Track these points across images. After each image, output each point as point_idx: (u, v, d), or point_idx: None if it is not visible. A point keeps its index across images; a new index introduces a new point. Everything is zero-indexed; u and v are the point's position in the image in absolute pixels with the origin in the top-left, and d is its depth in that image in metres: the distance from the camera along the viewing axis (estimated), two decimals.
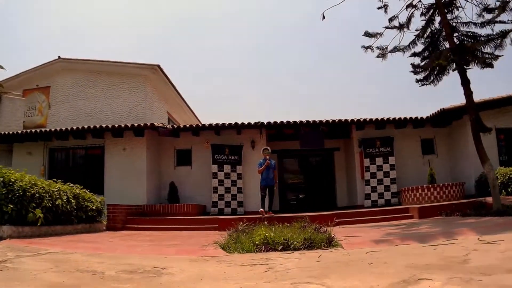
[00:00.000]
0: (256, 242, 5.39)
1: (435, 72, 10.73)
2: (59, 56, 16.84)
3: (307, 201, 16.30)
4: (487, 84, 39.46)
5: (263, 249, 5.17)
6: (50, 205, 8.49)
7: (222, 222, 9.50)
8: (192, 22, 53.01)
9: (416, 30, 10.88)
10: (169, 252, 5.50)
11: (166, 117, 18.69)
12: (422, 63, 10.77)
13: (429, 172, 13.32)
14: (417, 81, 10.97)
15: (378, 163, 14.11)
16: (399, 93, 48.25)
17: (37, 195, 8.15)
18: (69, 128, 13.67)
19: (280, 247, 5.17)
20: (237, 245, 5.46)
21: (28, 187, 7.59)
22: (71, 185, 10.13)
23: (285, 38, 53.43)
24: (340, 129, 14.58)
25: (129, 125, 12.78)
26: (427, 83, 10.90)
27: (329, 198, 16.10)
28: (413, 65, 10.69)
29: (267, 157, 11.12)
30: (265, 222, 8.60)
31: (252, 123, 13.27)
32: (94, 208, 10.26)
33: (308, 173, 17.07)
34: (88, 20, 50.50)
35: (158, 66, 16.15)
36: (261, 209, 10.81)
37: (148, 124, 12.52)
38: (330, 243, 5.30)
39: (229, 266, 4.14)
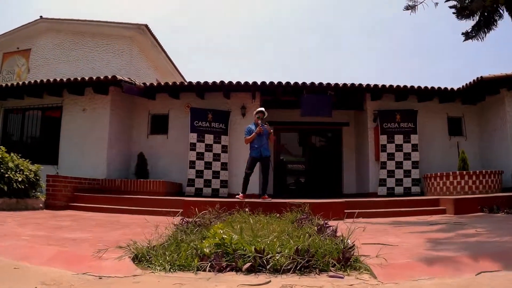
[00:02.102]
0: (205, 250, 2.79)
1: (483, 19, 8.24)
2: (41, 16, 15.00)
3: (307, 186, 13.61)
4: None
5: (209, 266, 2.57)
6: None
7: (190, 206, 6.89)
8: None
9: None
10: (43, 255, 2.98)
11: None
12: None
13: (460, 156, 10.61)
14: (466, 36, 8.47)
15: (397, 142, 11.40)
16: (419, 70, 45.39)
17: None
18: (20, 83, 11.18)
19: (246, 266, 2.56)
20: (167, 254, 2.85)
21: None
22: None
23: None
24: (351, 98, 11.82)
25: (87, 78, 10.07)
26: (473, 34, 8.36)
27: (334, 184, 13.40)
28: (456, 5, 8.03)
29: (260, 122, 8.28)
30: (246, 210, 6.17)
31: (242, 82, 10.54)
32: (20, 179, 7.70)
33: (310, 151, 14.22)
34: None
35: (146, 26, 14.37)
36: (241, 194, 8.09)
37: (110, 77, 9.79)
38: (347, 261, 2.66)
39: None
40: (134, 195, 9.32)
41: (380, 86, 10.89)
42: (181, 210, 6.98)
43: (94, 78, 9.97)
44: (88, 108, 10.88)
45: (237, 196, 7.73)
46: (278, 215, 6.09)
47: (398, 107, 11.73)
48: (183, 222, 4.20)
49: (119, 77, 9.71)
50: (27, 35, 15.26)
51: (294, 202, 6.57)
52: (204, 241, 2.92)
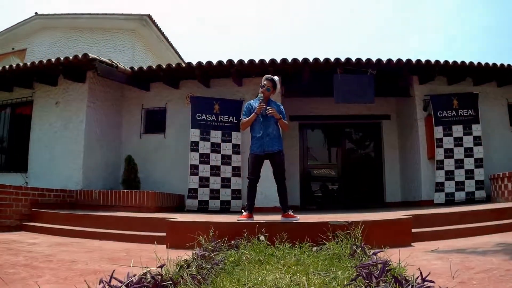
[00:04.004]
0: None
1: None
2: (36, 13, 13.85)
3: (341, 194, 10.99)
4: None
5: None
6: None
7: (177, 230, 4.56)
8: None
9: None
10: None
11: None
12: None
13: None
14: None
15: (456, 134, 8.83)
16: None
17: None
18: None
19: None
20: None
21: None
22: None
23: None
24: (392, 81, 9.31)
25: (53, 59, 7.77)
26: None
27: (374, 191, 10.81)
28: None
29: (262, 93, 5.08)
30: (261, 238, 3.87)
31: (257, 61, 8.12)
32: None
33: (342, 152, 11.47)
34: None
35: (149, 16, 13.07)
36: (245, 213, 4.94)
37: (80, 56, 7.47)
38: None
39: None
40: (116, 210, 7.04)
41: (433, 62, 8.37)
42: (164, 233, 4.69)
43: (62, 59, 7.67)
44: (62, 100, 8.64)
45: (238, 218, 4.81)
46: (312, 243, 3.76)
47: (451, 91, 9.29)
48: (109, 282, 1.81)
49: (91, 55, 7.38)
50: (23, 34, 14.29)
51: (336, 222, 4.15)
52: None
